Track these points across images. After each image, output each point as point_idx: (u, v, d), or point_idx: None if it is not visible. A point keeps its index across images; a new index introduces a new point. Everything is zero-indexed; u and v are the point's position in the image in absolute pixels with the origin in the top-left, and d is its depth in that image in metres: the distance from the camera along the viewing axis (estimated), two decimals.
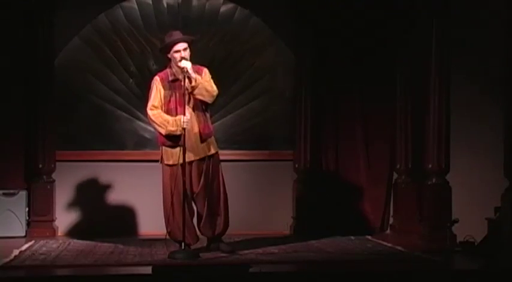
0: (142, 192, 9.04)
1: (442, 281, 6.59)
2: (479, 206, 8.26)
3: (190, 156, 7.36)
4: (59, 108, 9.03)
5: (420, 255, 7.39)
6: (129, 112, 9.24)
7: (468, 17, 8.77)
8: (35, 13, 8.85)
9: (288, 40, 9.31)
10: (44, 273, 6.80)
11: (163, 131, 7.35)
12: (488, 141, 8.65)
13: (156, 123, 7.37)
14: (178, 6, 9.25)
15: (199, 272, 6.61)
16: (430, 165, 8.26)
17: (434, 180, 8.25)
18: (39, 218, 8.85)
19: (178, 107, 7.32)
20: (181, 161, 7.23)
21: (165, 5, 9.23)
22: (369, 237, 8.64)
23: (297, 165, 9.23)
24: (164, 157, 7.45)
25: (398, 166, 9.15)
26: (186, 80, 7.27)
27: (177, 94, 7.34)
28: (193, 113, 7.41)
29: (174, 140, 7.33)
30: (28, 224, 8.83)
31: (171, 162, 7.38)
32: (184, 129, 7.22)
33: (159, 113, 7.37)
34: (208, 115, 7.56)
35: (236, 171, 9.01)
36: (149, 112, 7.40)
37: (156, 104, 7.39)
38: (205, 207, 7.50)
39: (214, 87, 7.42)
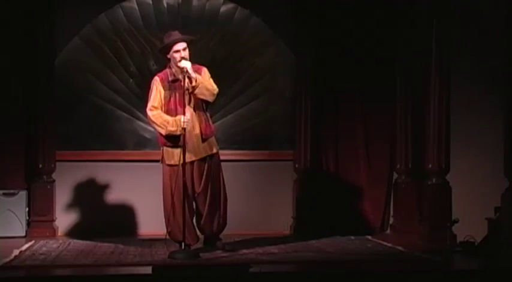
0: (142, 192, 9.04)
1: (442, 281, 6.59)
2: (479, 206, 8.26)
3: (191, 156, 7.38)
4: (59, 108, 9.03)
5: (420, 255, 7.39)
6: (129, 112, 9.24)
7: (468, 17, 8.77)
8: (35, 13, 8.85)
9: (288, 40, 9.31)
10: (44, 273, 6.80)
11: (163, 132, 7.36)
12: (488, 141, 8.64)
13: (156, 124, 7.37)
14: (178, 6, 9.25)
15: (199, 272, 6.61)
16: (430, 165, 8.26)
17: (434, 180, 8.25)
18: (39, 218, 8.86)
19: (178, 107, 7.32)
20: (182, 160, 7.23)
21: (165, 5, 9.24)
22: (369, 237, 8.64)
23: (297, 165, 9.23)
24: (165, 157, 7.45)
25: (398, 166, 9.14)
26: (187, 80, 7.27)
27: (177, 94, 7.35)
28: (194, 113, 7.42)
29: (175, 140, 7.34)
30: (28, 224, 8.83)
31: (172, 163, 7.38)
32: (184, 129, 7.22)
33: (159, 113, 7.37)
34: (208, 115, 7.57)
35: (236, 171, 9.02)
36: (149, 113, 7.40)
37: (155, 104, 7.39)
38: (207, 206, 7.53)
39: (215, 86, 7.44)
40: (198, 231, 7.65)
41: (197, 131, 7.43)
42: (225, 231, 8.24)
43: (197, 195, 7.49)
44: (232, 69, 9.29)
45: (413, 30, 8.79)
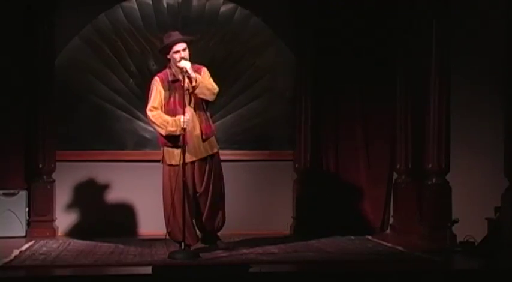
0: (142, 192, 9.04)
1: (442, 281, 6.59)
2: (479, 206, 8.27)
3: (192, 156, 7.40)
4: (59, 108, 9.02)
5: (420, 255, 7.38)
6: (129, 112, 9.24)
7: (468, 17, 8.77)
8: (35, 13, 8.85)
9: (288, 40, 9.31)
10: (44, 273, 6.80)
11: (163, 132, 7.37)
12: (488, 141, 8.65)
13: (156, 124, 7.38)
14: (178, 6, 9.25)
15: (199, 272, 6.61)
16: (430, 165, 8.26)
17: (434, 180, 8.25)
18: (39, 218, 8.85)
19: (178, 107, 7.33)
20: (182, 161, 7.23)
21: (165, 5, 9.24)
22: (369, 237, 8.64)
23: (297, 165, 9.23)
24: (166, 157, 7.45)
25: (398, 166, 9.14)
26: (187, 80, 7.28)
27: (177, 94, 7.35)
28: (194, 113, 7.43)
29: (175, 140, 7.34)
30: (28, 224, 8.83)
31: (173, 163, 7.39)
32: (184, 129, 7.22)
33: (159, 113, 7.38)
34: (208, 114, 7.58)
35: (236, 171, 9.02)
36: (149, 113, 7.41)
37: (155, 104, 7.40)
38: (208, 206, 7.56)
39: (215, 85, 7.46)
40: (197, 230, 7.65)
41: (198, 131, 7.44)
42: (225, 231, 8.24)
43: (199, 195, 7.51)
44: (232, 69, 9.29)
45: (413, 30, 8.79)
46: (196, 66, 7.49)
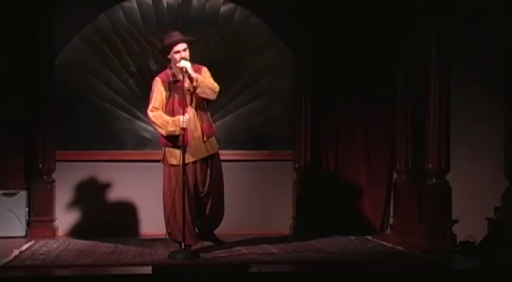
0: (142, 192, 9.05)
1: (442, 281, 6.59)
2: (479, 206, 8.27)
3: (194, 156, 7.43)
4: (59, 108, 9.03)
5: (420, 255, 7.39)
6: (129, 112, 9.24)
7: (468, 17, 8.77)
8: (35, 13, 8.85)
9: (288, 40, 9.31)
10: (44, 273, 6.80)
11: (163, 132, 7.38)
12: (488, 141, 8.65)
13: (157, 125, 7.39)
14: (178, 6, 9.25)
15: (199, 272, 6.61)
16: (430, 165, 8.26)
17: (434, 180, 8.25)
18: (39, 218, 8.86)
19: (179, 107, 7.33)
20: (186, 161, 7.27)
21: (165, 5, 9.24)
22: (369, 237, 8.64)
23: (297, 165, 9.24)
24: (168, 157, 7.45)
25: (398, 166, 9.14)
26: (187, 80, 7.28)
27: (178, 95, 7.36)
28: (195, 113, 7.45)
29: (177, 140, 7.35)
30: (28, 224, 8.83)
31: (175, 163, 7.38)
32: (183, 129, 7.23)
33: (159, 114, 7.39)
34: (209, 114, 7.59)
35: (236, 171, 9.02)
36: (150, 114, 7.42)
37: (156, 105, 7.41)
38: (210, 206, 7.62)
39: (215, 84, 7.48)
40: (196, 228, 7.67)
41: (199, 131, 7.46)
42: (225, 231, 8.26)
43: (203, 195, 7.56)
44: (232, 69, 9.29)
45: (413, 30, 8.79)
46: (197, 66, 7.51)
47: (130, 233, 8.96)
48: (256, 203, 9.23)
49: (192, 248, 7.43)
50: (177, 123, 7.27)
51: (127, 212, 9.07)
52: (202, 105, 7.49)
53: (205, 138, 7.48)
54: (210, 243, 7.82)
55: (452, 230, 7.95)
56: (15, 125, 8.87)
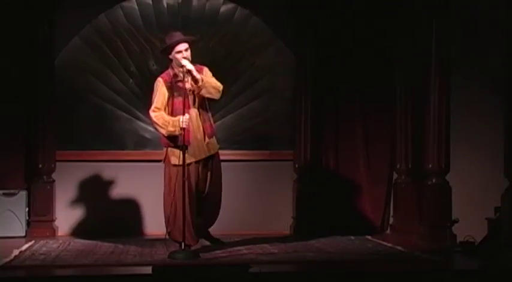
0: (142, 193, 9.05)
1: (442, 281, 6.59)
2: (479, 206, 8.27)
3: (196, 156, 7.47)
4: (59, 108, 9.03)
5: (420, 255, 7.39)
6: (129, 112, 9.24)
7: (468, 17, 8.77)
8: (35, 13, 8.85)
9: (288, 40, 9.31)
10: (44, 273, 6.80)
11: (164, 132, 7.40)
12: (488, 141, 8.65)
13: (158, 125, 7.41)
14: (178, 6, 9.25)
15: (199, 272, 6.61)
16: (430, 165, 8.26)
17: (434, 180, 8.25)
18: (39, 218, 8.85)
19: (182, 107, 7.34)
20: (188, 161, 7.32)
21: (165, 5, 9.23)
22: (369, 237, 8.64)
23: (297, 165, 9.23)
24: (171, 157, 7.45)
25: (398, 166, 9.14)
26: (192, 81, 7.31)
27: (181, 95, 7.37)
28: (198, 113, 7.48)
29: (179, 140, 7.36)
30: (28, 224, 8.83)
31: (177, 163, 7.38)
32: (183, 129, 7.24)
33: (161, 114, 7.41)
34: (210, 114, 7.62)
35: (236, 171, 9.02)
36: (152, 114, 7.43)
37: (159, 105, 7.43)
38: (211, 205, 7.68)
39: (218, 83, 7.54)
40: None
41: (201, 131, 7.50)
42: (225, 231, 8.27)
43: (206, 194, 7.61)
44: (232, 69, 9.29)
45: (413, 31, 8.79)
46: (198, 66, 7.52)
47: (131, 233, 8.95)
48: (256, 203, 9.23)
49: (192, 248, 7.44)
50: (177, 123, 7.28)
51: (127, 212, 9.07)
52: (205, 105, 7.53)
53: (207, 139, 7.52)
54: (210, 243, 7.84)
55: (452, 230, 7.95)
56: (15, 125, 8.87)
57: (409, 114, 9.01)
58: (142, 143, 9.24)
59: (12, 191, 8.78)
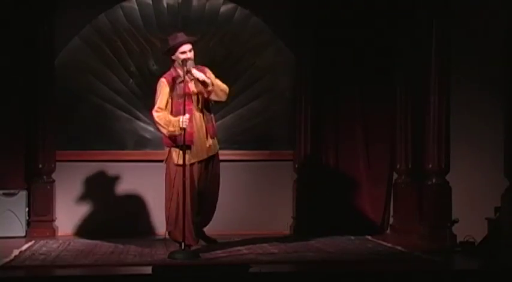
0: (142, 193, 9.05)
1: (442, 281, 6.59)
2: (479, 206, 8.26)
3: (199, 156, 7.51)
4: (59, 108, 9.02)
5: (420, 255, 7.39)
6: (129, 112, 9.24)
7: (468, 17, 8.77)
8: (35, 13, 8.84)
9: (288, 40, 9.31)
10: (44, 273, 6.80)
11: (165, 132, 7.43)
12: (488, 141, 8.65)
13: (160, 125, 7.44)
14: (178, 6, 9.25)
15: (199, 272, 6.61)
16: (430, 165, 8.26)
17: (434, 180, 8.25)
18: (39, 218, 8.85)
19: (185, 108, 7.36)
20: (192, 160, 7.37)
21: (165, 5, 9.23)
22: (369, 237, 8.64)
23: (297, 165, 9.23)
24: (175, 157, 7.45)
25: (398, 166, 9.15)
26: (200, 85, 7.35)
27: (184, 95, 7.38)
28: (201, 114, 7.52)
29: (182, 140, 7.37)
30: (28, 224, 8.83)
31: (180, 162, 7.39)
32: (183, 129, 7.25)
33: (163, 114, 7.44)
34: (212, 115, 7.68)
35: (236, 171, 9.02)
36: (154, 114, 7.46)
37: (161, 106, 7.46)
38: (208, 205, 7.71)
39: (225, 85, 7.60)
40: None
41: (204, 131, 7.54)
42: (225, 231, 8.27)
43: (204, 194, 7.62)
44: (232, 69, 9.29)
45: (413, 30, 8.79)
46: (200, 67, 7.56)
47: (131, 233, 8.94)
48: (256, 203, 9.23)
49: (192, 248, 7.44)
50: (177, 123, 7.29)
51: (127, 212, 9.06)
52: (208, 106, 7.57)
53: (209, 139, 7.56)
54: (205, 243, 7.84)
55: (452, 230, 7.95)
56: (15, 125, 8.87)
57: (409, 114, 9.01)
58: (142, 143, 9.24)
59: (12, 191, 8.78)
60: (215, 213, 7.83)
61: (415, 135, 8.90)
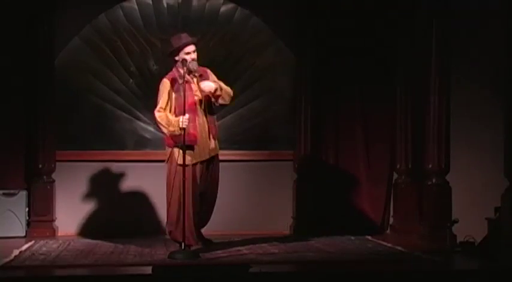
0: (142, 193, 9.04)
1: (442, 281, 6.59)
2: (479, 206, 8.26)
3: (202, 156, 7.52)
4: (59, 108, 9.02)
5: (420, 255, 7.39)
6: (129, 112, 9.24)
7: (468, 17, 8.77)
8: (35, 13, 8.85)
9: (288, 40, 9.31)
10: (44, 273, 6.81)
11: (166, 131, 7.44)
12: (488, 141, 8.65)
13: (162, 125, 7.46)
14: (178, 6, 9.25)
15: (199, 272, 6.61)
16: (430, 165, 8.26)
17: (434, 180, 8.25)
18: (39, 218, 8.85)
19: (187, 108, 7.37)
20: (194, 161, 7.39)
21: (165, 5, 9.23)
22: (369, 237, 8.64)
23: (297, 165, 9.23)
24: (177, 158, 7.45)
25: (398, 166, 9.14)
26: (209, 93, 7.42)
27: (187, 96, 7.40)
28: (205, 115, 7.56)
29: (187, 140, 7.38)
30: (28, 224, 8.83)
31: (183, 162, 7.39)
32: (182, 129, 7.25)
33: (165, 114, 7.44)
34: (215, 116, 7.72)
35: (236, 171, 9.02)
36: (156, 114, 7.48)
37: (164, 106, 7.49)
38: (207, 205, 7.70)
39: (229, 88, 7.65)
40: None
41: (207, 131, 7.56)
42: (225, 231, 8.27)
43: (207, 195, 7.64)
44: (232, 69, 9.29)
45: (413, 30, 8.79)
46: (201, 68, 7.59)
47: (131, 233, 8.94)
48: (256, 203, 9.22)
49: (192, 248, 7.44)
50: (176, 123, 7.30)
51: (127, 212, 9.05)
52: (211, 107, 7.59)
53: (212, 140, 7.58)
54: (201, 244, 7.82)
55: (452, 230, 7.94)
56: (15, 125, 8.87)
57: (409, 114, 9.01)
58: (142, 143, 9.24)
59: (12, 191, 8.78)
60: (215, 213, 7.82)
61: (415, 135, 8.90)
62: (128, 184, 9.10)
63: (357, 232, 8.73)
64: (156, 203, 8.79)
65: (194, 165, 7.43)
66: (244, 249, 7.67)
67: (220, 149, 7.81)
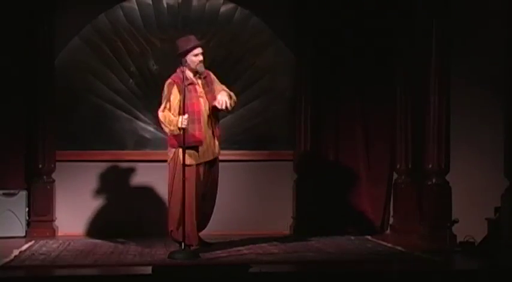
0: (142, 193, 9.04)
1: (442, 281, 6.59)
2: (479, 206, 8.27)
3: (206, 157, 7.54)
4: (59, 108, 9.02)
5: (420, 255, 7.39)
6: (129, 112, 9.24)
7: (468, 17, 8.77)
8: (35, 13, 8.85)
9: (288, 40, 9.31)
10: (44, 273, 6.81)
11: (167, 131, 7.45)
12: (488, 141, 8.65)
13: (164, 124, 7.51)
14: (178, 6, 9.25)
15: (199, 272, 6.61)
16: (430, 165, 8.26)
17: (434, 180, 8.25)
18: (39, 218, 8.85)
19: (193, 109, 7.38)
20: (199, 161, 7.43)
21: (165, 5, 9.23)
22: (369, 237, 8.64)
23: (296, 165, 9.23)
24: (181, 158, 7.45)
25: (398, 166, 9.15)
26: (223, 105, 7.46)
27: (193, 97, 7.42)
28: (209, 116, 7.57)
29: (191, 141, 7.38)
30: (28, 224, 8.83)
31: (188, 163, 7.39)
32: (182, 129, 7.26)
33: (168, 113, 7.45)
34: (218, 117, 7.73)
35: (236, 171, 9.02)
36: (160, 114, 7.52)
37: (168, 106, 7.50)
38: (208, 205, 7.70)
39: (234, 95, 7.67)
40: None
41: (211, 132, 7.59)
42: (225, 231, 8.26)
43: (208, 196, 7.65)
44: (232, 69, 9.29)
45: (413, 30, 8.79)
46: (205, 71, 7.63)
47: (130, 233, 8.94)
48: (256, 203, 9.22)
49: (192, 248, 7.44)
50: (175, 123, 7.31)
51: (127, 212, 9.05)
52: (216, 109, 7.59)
53: (215, 141, 7.59)
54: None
55: (452, 230, 7.95)
56: (15, 125, 8.87)
57: (409, 114, 9.02)
58: (142, 143, 9.24)
59: (12, 191, 8.78)
60: (215, 213, 7.81)
61: (415, 135, 8.91)
62: (128, 184, 9.10)
63: (357, 232, 8.74)
64: (156, 203, 8.78)
65: (198, 165, 7.44)
66: (244, 249, 7.67)
67: (220, 149, 7.81)
